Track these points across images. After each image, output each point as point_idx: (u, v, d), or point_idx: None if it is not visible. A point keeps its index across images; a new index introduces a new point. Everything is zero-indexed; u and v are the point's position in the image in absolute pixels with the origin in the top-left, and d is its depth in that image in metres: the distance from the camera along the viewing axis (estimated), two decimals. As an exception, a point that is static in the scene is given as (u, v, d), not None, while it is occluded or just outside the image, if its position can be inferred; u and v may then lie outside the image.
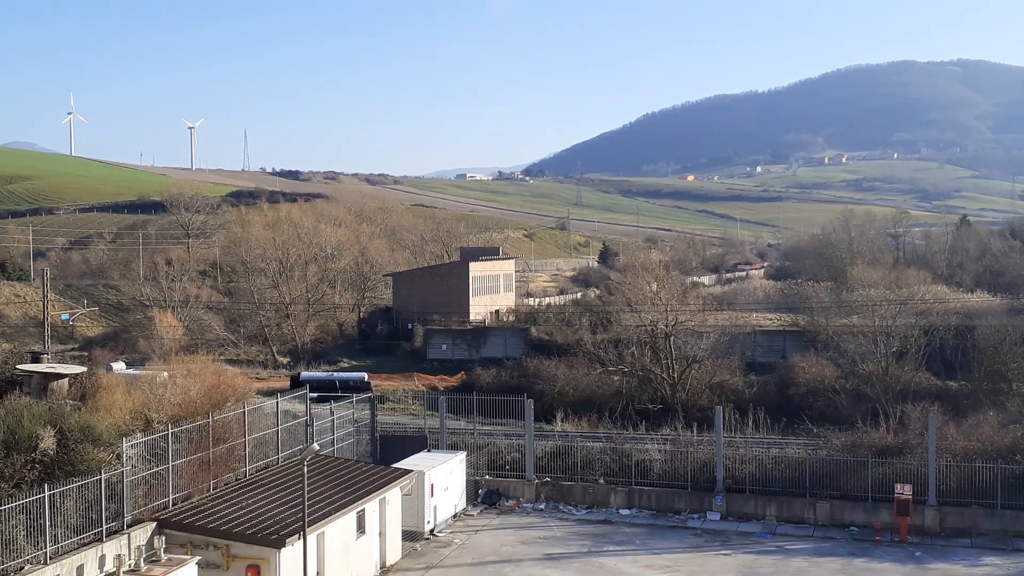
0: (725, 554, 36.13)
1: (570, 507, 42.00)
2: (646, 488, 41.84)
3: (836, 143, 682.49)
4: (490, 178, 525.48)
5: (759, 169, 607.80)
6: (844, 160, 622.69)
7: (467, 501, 41.76)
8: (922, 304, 75.29)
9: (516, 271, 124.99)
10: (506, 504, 42.45)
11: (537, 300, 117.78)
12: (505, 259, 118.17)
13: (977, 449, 39.73)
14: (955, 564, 34.88)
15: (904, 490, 37.62)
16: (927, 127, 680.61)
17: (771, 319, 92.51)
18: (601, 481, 42.61)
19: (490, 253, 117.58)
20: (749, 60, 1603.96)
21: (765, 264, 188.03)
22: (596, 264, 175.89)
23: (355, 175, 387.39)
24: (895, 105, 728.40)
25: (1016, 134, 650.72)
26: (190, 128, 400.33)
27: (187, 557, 26.82)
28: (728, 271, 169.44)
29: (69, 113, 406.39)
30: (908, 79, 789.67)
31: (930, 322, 70.37)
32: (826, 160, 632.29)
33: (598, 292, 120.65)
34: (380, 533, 33.89)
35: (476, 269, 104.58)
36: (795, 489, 40.07)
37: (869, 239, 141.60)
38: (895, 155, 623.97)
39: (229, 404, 34.16)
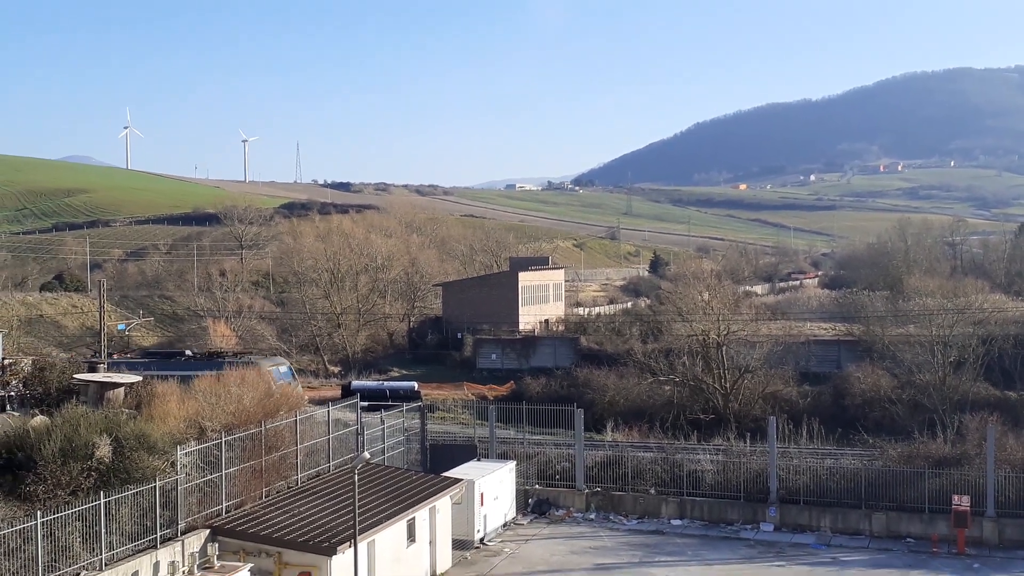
0: (779, 565, 35.67)
1: (621, 517, 41.72)
2: (698, 499, 41.44)
3: (891, 151, 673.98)
4: (539, 188, 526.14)
5: (812, 178, 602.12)
6: (900, 168, 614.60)
7: (517, 510, 41.63)
8: (980, 313, 74.00)
9: (566, 281, 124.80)
10: (556, 514, 42.28)
11: (587, 310, 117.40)
12: (555, 269, 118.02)
13: (1037, 460, 38.88)
14: (1015, 577, 34.18)
15: (962, 501, 36.93)
16: (984, 134, 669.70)
17: (825, 328, 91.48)
18: (652, 491, 42.25)
19: (539, 263, 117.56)
20: (802, 68, 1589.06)
21: (819, 273, 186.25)
22: (647, 274, 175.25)
23: (405, 186, 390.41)
24: (951, 113, 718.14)
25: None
26: (244, 141, 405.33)
27: (240, 564, 27.07)
28: (781, 280, 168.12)
29: (125, 127, 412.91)
30: (964, 86, 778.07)
31: (988, 331, 69.13)
32: (881, 168, 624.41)
33: (649, 302, 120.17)
34: (430, 541, 33.93)
35: (525, 279, 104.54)
36: (850, 500, 39.46)
37: (926, 248, 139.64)
38: (952, 163, 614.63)
39: (281, 413, 34.40)
